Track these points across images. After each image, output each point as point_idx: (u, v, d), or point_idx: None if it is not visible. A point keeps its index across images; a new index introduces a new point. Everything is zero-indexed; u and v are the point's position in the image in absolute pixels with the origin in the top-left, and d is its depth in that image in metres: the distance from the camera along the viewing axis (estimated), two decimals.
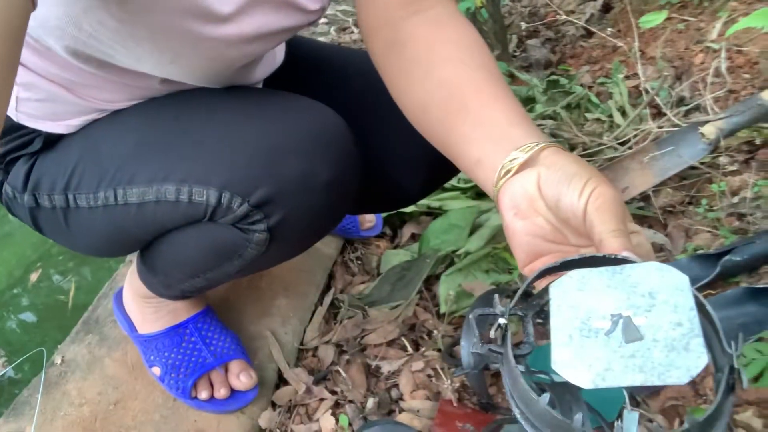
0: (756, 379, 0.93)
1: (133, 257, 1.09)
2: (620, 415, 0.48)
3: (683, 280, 0.50)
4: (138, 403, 1.11)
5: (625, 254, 0.53)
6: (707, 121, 1.38)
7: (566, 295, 0.52)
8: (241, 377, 1.13)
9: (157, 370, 1.13)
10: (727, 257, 1.18)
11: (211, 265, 0.91)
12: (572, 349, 0.48)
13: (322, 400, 1.13)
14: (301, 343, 1.25)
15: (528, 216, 0.62)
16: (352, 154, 0.84)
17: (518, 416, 0.51)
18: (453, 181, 1.58)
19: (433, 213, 1.53)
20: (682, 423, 0.94)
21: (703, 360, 0.44)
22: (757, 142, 1.43)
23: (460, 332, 1.08)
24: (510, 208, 0.63)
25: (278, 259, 0.93)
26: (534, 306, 0.57)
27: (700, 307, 0.49)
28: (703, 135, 1.36)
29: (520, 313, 0.56)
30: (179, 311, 1.16)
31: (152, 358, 1.14)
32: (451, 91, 0.72)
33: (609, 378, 0.45)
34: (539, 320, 0.57)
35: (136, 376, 1.14)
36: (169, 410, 1.11)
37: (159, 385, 1.13)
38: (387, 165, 1.02)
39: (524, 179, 0.62)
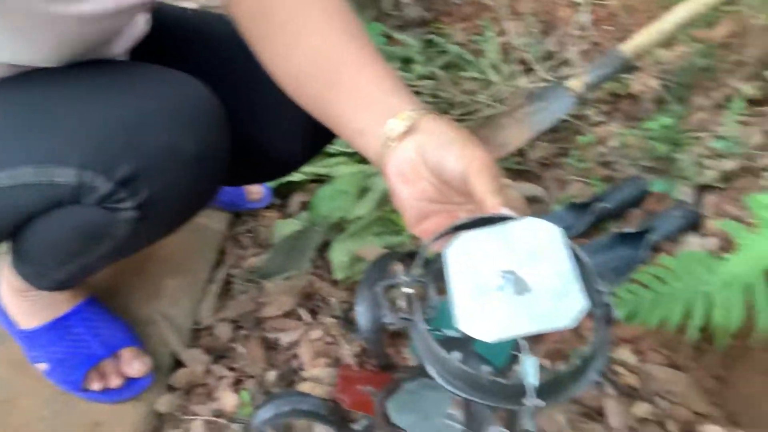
0: (629, 318, 1.01)
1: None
2: (516, 361, 0.53)
3: (557, 231, 0.55)
4: (26, 400, 1.06)
5: (504, 211, 0.58)
6: (572, 76, 1.45)
7: (459, 258, 0.56)
8: (134, 364, 1.09)
9: (43, 366, 1.07)
10: (597, 205, 1.26)
11: (81, 249, 0.86)
12: (472, 308, 0.51)
13: (221, 378, 1.12)
14: (196, 323, 1.22)
15: (413, 181, 0.65)
16: (220, 126, 0.82)
17: (434, 375, 0.54)
18: (339, 146, 1.58)
19: (321, 180, 1.53)
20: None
21: (582, 303, 0.49)
22: (621, 92, 1.53)
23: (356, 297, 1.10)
24: (395, 175, 0.65)
25: (154, 237, 0.90)
26: (432, 271, 0.60)
27: (574, 254, 0.54)
28: (569, 89, 1.44)
29: (421, 279, 0.59)
30: (60, 303, 1.10)
31: (36, 354, 1.08)
32: (322, 61, 0.72)
33: (508, 330, 0.49)
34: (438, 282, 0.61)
35: (22, 373, 1.08)
36: (61, 405, 1.06)
37: (47, 380, 1.07)
38: (263, 133, 1.00)
39: (406, 147, 0.64)
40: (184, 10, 1.11)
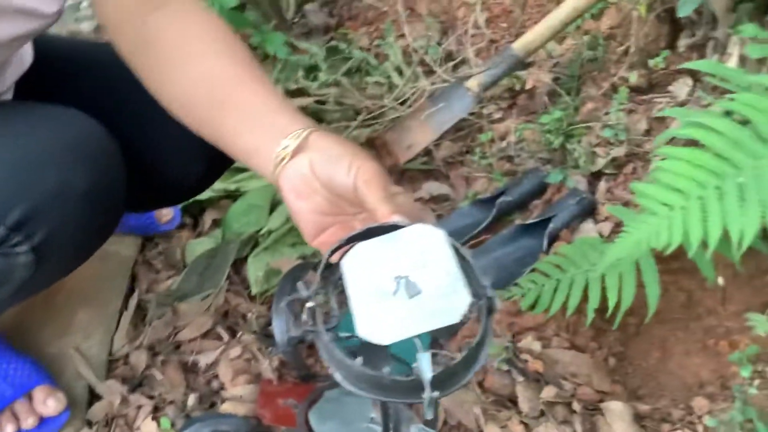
0: (532, 306, 1.06)
1: None
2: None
3: (442, 235, 0.59)
4: None
5: (395, 219, 0.62)
6: (471, 75, 1.49)
7: (354, 267, 0.59)
8: (48, 402, 1.07)
9: None
10: (500, 199, 1.31)
11: None
12: (369, 314, 0.55)
13: (140, 407, 1.11)
14: (110, 354, 1.20)
15: (307, 196, 0.68)
16: (112, 158, 0.82)
17: (340, 380, 0.57)
18: None
19: (232, 196, 1.52)
20: None
21: (468, 299, 0.54)
22: (517, 88, 1.58)
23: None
24: (290, 191, 0.68)
25: (56, 276, 0.89)
26: (332, 282, 0.64)
27: (459, 253, 0.59)
28: (468, 89, 1.48)
29: (322, 292, 0.62)
30: None
31: None
32: (210, 87, 0.74)
33: (403, 331, 0.53)
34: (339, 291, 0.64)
35: None
36: None
37: None
38: (160, 159, 0.99)
39: (298, 164, 0.67)
40: (71, 39, 1.09)
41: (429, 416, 0.55)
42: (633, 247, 0.80)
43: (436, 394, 0.53)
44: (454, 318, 0.53)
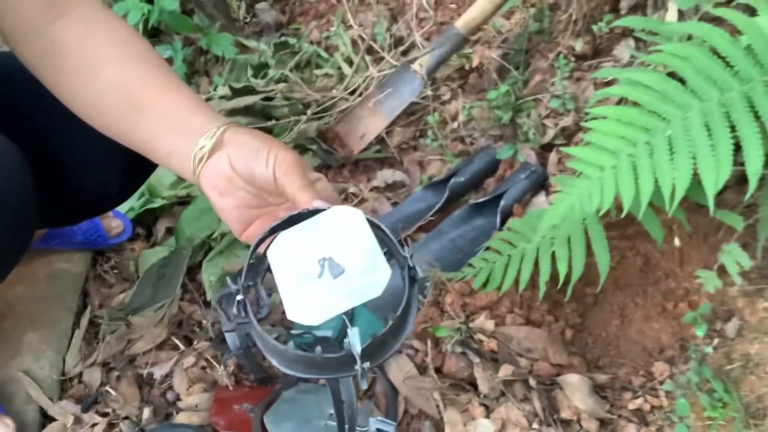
0: (485, 285, 1.03)
1: None
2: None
3: (359, 214, 0.61)
4: None
5: (315, 204, 0.63)
6: (417, 58, 1.46)
7: (280, 255, 0.61)
8: None
9: None
10: (453, 180, 1.28)
11: None
12: (296, 298, 0.57)
13: (94, 425, 1.07)
14: (63, 373, 1.16)
15: (230, 193, 0.69)
16: (16, 172, 0.79)
17: (277, 366, 0.60)
18: None
19: (184, 202, 1.49)
20: (436, 343, 1.03)
21: (387, 273, 0.57)
22: (467, 67, 1.55)
23: None
24: (212, 189, 0.69)
25: None
26: (260, 272, 0.67)
27: (380, 229, 0.62)
28: (415, 72, 1.45)
29: (251, 283, 0.66)
30: None
31: None
32: (121, 91, 0.73)
33: (330, 310, 0.56)
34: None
35: None
36: None
37: None
38: (73, 171, 0.96)
39: (217, 162, 0.68)
40: None
41: (364, 386, 0.63)
42: (566, 211, 0.78)
43: (366, 364, 0.56)
44: (376, 292, 0.55)
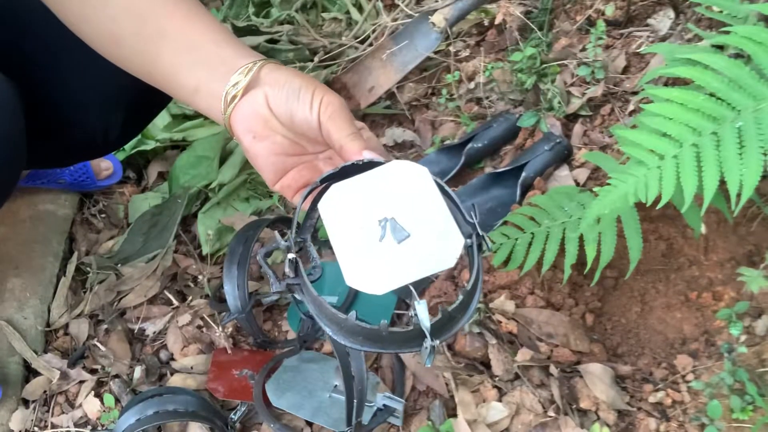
0: (505, 263, 0.98)
1: None
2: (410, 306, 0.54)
3: (425, 171, 0.55)
4: None
5: (367, 156, 0.57)
6: (436, 9, 1.37)
7: (334, 211, 0.55)
8: None
9: None
10: (469, 145, 1.22)
11: None
12: (357, 263, 0.52)
13: (82, 382, 1.02)
14: (47, 324, 1.10)
15: (266, 137, 0.63)
16: (3, 108, 0.73)
17: (332, 335, 0.55)
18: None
19: (179, 146, 1.40)
20: None
21: (461, 241, 0.52)
22: (486, 23, 1.47)
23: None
24: (246, 133, 0.63)
25: None
26: (308, 228, 0.61)
27: (443, 191, 0.56)
28: (433, 24, 1.36)
29: (300, 240, 0.60)
30: None
31: None
32: (139, 15, 0.65)
33: (397, 278, 0.51)
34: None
35: None
36: None
37: None
38: (73, 111, 0.88)
39: (253, 102, 0.62)
40: None
41: (428, 364, 0.54)
42: (619, 201, 0.72)
43: (436, 342, 0.52)
44: (449, 262, 0.51)
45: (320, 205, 0.57)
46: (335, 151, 0.61)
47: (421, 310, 0.52)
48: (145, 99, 0.70)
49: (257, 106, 0.62)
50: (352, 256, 0.53)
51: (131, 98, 0.82)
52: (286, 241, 0.58)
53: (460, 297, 0.55)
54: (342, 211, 0.55)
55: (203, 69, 0.63)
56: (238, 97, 0.62)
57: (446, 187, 0.56)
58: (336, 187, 0.57)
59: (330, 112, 0.59)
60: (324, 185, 0.60)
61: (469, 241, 0.55)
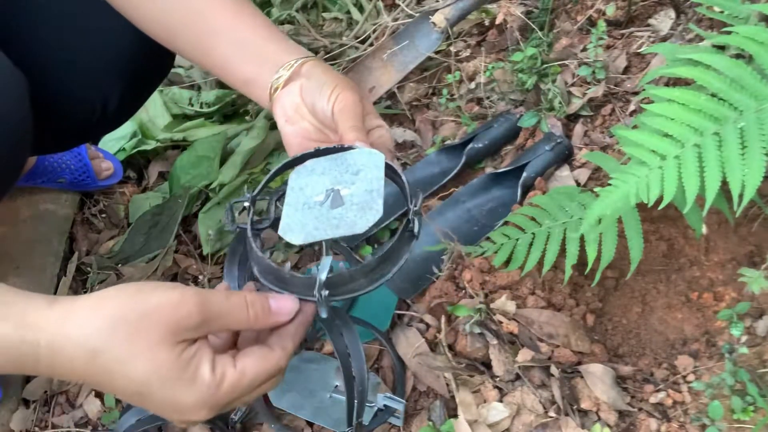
0: (506, 263, 0.98)
1: None
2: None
3: (381, 157, 0.64)
4: None
5: (357, 144, 0.65)
6: (436, 9, 1.37)
7: (299, 179, 0.66)
8: None
9: None
10: (470, 145, 1.22)
11: None
12: (292, 219, 0.62)
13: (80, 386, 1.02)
14: None
15: (296, 121, 0.72)
16: (11, 91, 0.74)
17: (257, 274, 0.63)
18: (195, 107, 1.45)
19: (179, 146, 1.40)
20: (449, 319, 0.98)
21: (377, 216, 0.59)
22: (486, 23, 1.47)
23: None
24: (281, 116, 0.73)
25: None
26: (278, 191, 0.70)
27: (397, 175, 0.65)
28: (434, 24, 1.36)
29: (267, 197, 0.70)
30: None
31: None
32: (193, 11, 0.73)
33: (315, 235, 0.59)
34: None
35: None
36: None
37: None
38: (69, 80, 0.88)
39: (290, 91, 0.72)
40: None
41: (323, 315, 0.60)
42: (620, 201, 0.72)
43: (325, 292, 0.58)
44: (360, 229, 0.58)
45: (290, 175, 0.67)
46: (339, 138, 0.68)
47: (323, 263, 0.58)
48: (144, 67, 0.75)
49: (293, 95, 0.71)
50: (291, 212, 0.62)
51: (129, 67, 0.86)
52: (250, 192, 0.68)
53: (366, 261, 0.60)
54: (304, 181, 0.65)
55: (253, 65, 0.73)
56: (281, 88, 0.71)
57: (400, 172, 0.65)
58: (310, 161, 0.67)
59: (342, 105, 0.68)
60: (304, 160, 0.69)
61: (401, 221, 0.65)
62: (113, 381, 0.50)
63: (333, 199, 0.62)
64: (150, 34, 0.76)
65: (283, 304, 0.58)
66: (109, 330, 0.49)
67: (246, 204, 0.67)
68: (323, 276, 0.57)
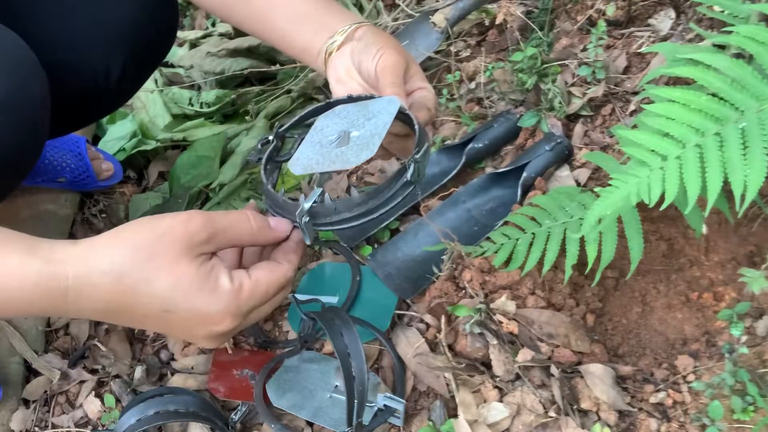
0: (506, 263, 0.98)
1: None
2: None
3: (395, 105, 0.66)
4: None
5: (393, 98, 0.68)
6: (436, 9, 1.37)
7: (323, 121, 0.71)
8: None
9: None
10: (470, 145, 1.21)
11: None
12: (303, 154, 0.66)
13: (82, 382, 1.02)
14: (48, 325, 1.10)
15: (346, 82, 0.77)
16: (29, 67, 0.74)
17: (265, 204, 0.69)
18: (195, 107, 1.45)
19: (179, 146, 1.40)
20: (449, 319, 0.98)
21: (367, 155, 0.61)
22: (487, 23, 1.46)
23: None
24: (333, 78, 0.78)
25: None
26: (305, 129, 0.74)
27: (409, 118, 0.69)
28: (434, 24, 1.36)
29: (296, 135, 0.76)
30: None
31: None
32: None
33: (312, 167, 0.64)
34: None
35: None
36: None
37: None
38: (71, 49, 0.87)
39: (342, 53, 0.77)
40: None
41: (307, 241, 0.65)
42: (621, 201, 0.72)
43: (306, 218, 0.63)
44: (351, 164, 0.62)
45: (318, 117, 0.73)
46: (379, 94, 0.71)
47: (312, 195, 0.64)
48: (146, 37, 0.78)
49: (344, 56, 0.76)
50: (305, 148, 0.67)
51: (131, 36, 0.87)
52: (279, 129, 0.74)
53: (356, 198, 0.64)
54: (326, 122, 0.70)
55: (309, 34, 0.78)
56: (334, 52, 0.77)
57: (414, 120, 0.68)
58: (339, 107, 0.72)
59: (384, 64, 0.72)
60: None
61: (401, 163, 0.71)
62: (138, 301, 0.53)
63: (341, 139, 0.65)
64: (209, 11, 0.83)
65: (279, 222, 0.64)
66: (130, 254, 0.53)
67: (270, 138, 0.73)
68: (307, 205, 0.62)
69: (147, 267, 0.53)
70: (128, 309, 0.54)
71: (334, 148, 0.65)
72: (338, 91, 0.77)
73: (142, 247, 0.54)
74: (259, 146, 0.74)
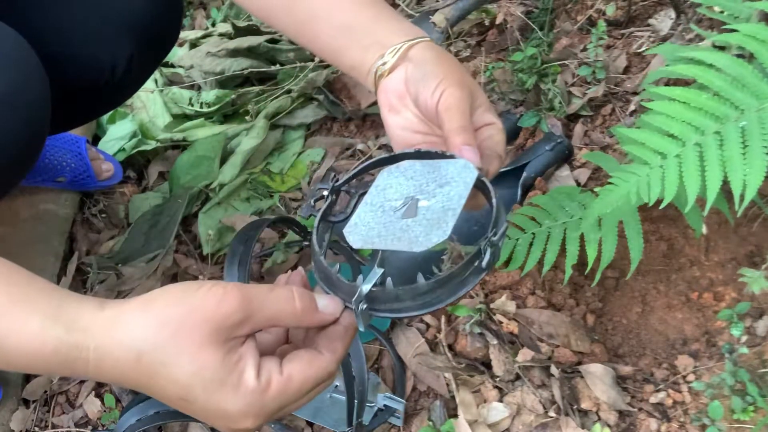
0: (506, 263, 0.98)
1: None
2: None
3: (472, 176, 0.58)
4: None
5: (464, 149, 0.60)
6: (436, 9, 1.37)
7: (386, 179, 0.61)
8: None
9: None
10: None
11: None
12: (362, 219, 0.58)
13: (82, 382, 1.02)
14: None
15: (399, 111, 0.68)
16: (27, 63, 0.73)
17: (313, 269, 0.59)
18: (195, 107, 1.45)
19: (179, 146, 1.40)
20: (449, 319, 0.98)
21: (442, 237, 0.53)
22: (486, 23, 1.47)
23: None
24: (385, 104, 0.68)
25: None
26: (364, 185, 0.64)
27: (487, 192, 0.59)
28: (434, 24, 1.36)
29: (353, 190, 0.65)
30: None
31: None
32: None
33: (373, 242, 0.55)
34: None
35: None
36: None
37: None
38: (77, 41, 0.86)
39: (395, 77, 0.67)
40: None
41: (361, 328, 0.55)
42: (621, 200, 0.72)
43: (364, 305, 0.53)
44: (419, 248, 0.54)
45: (383, 171, 0.63)
46: (445, 139, 0.63)
47: (371, 276, 0.54)
48: (153, 28, 0.71)
49: (397, 82, 0.66)
50: (365, 211, 0.59)
51: (138, 27, 0.82)
52: (334, 181, 0.65)
53: (416, 284, 0.55)
54: (390, 180, 0.61)
55: (357, 50, 0.68)
56: (386, 74, 0.67)
57: (492, 193, 0.59)
58: (404, 162, 0.62)
59: (448, 103, 0.62)
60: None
61: (463, 249, 0.59)
62: (157, 384, 0.48)
63: (408, 208, 0.58)
64: (255, 15, 0.75)
65: (329, 303, 0.54)
66: (154, 331, 0.48)
67: (325, 193, 0.64)
68: (365, 288, 0.53)
69: (168, 349, 0.47)
70: (146, 388, 0.49)
71: (399, 218, 0.57)
72: (391, 122, 0.68)
73: (168, 325, 0.48)
74: (312, 202, 0.64)
